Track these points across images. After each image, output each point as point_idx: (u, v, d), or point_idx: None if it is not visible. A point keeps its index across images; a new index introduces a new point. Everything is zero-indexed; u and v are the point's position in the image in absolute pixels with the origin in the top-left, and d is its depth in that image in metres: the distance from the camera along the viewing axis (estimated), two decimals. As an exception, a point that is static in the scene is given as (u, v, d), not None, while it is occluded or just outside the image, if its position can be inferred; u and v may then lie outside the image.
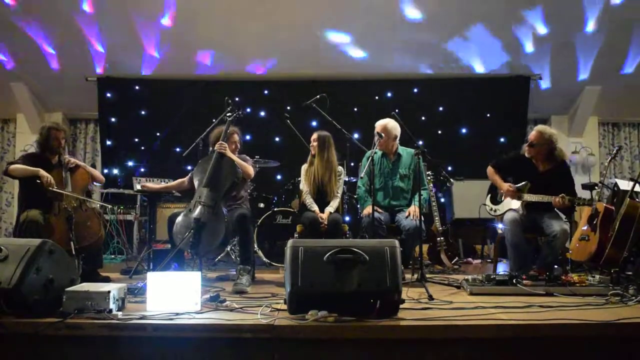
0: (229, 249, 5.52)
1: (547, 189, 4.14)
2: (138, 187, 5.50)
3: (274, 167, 6.18)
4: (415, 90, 7.39)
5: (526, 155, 4.36)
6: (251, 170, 4.22)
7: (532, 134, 4.33)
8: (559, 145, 4.32)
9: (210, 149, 4.32)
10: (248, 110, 7.12)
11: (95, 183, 4.51)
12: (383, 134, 4.48)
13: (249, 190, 4.59)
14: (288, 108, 6.44)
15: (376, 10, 6.31)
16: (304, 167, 4.81)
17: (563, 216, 4.29)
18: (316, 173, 4.68)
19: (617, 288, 3.29)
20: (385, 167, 4.67)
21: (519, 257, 4.10)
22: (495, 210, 4.51)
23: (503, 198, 4.45)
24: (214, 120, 4.71)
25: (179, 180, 4.46)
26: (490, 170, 4.52)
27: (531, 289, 3.30)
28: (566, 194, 4.04)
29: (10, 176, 4.10)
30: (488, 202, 4.62)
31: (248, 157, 4.52)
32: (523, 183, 4.28)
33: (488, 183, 4.67)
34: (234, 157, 4.13)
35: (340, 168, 4.80)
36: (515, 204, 4.30)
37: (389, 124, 4.55)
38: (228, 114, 4.31)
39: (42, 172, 3.96)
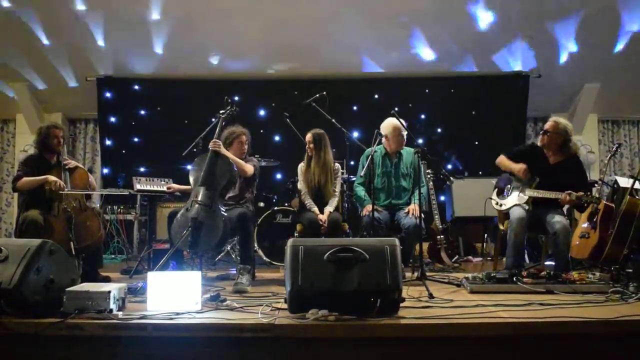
0: (229, 248, 5.53)
1: (557, 182, 4.11)
2: (138, 186, 5.49)
3: (273, 166, 6.17)
4: (415, 88, 7.38)
5: (539, 143, 4.34)
6: (248, 169, 4.21)
7: (547, 123, 4.31)
8: (573, 139, 4.28)
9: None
10: (248, 109, 7.12)
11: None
12: (393, 135, 4.52)
13: (254, 192, 4.58)
14: (288, 107, 6.43)
15: (376, 9, 6.30)
16: (301, 166, 4.80)
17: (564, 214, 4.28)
18: (313, 175, 4.67)
19: (618, 285, 3.29)
20: (389, 167, 4.67)
21: (518, 255, 4.08)
22: (501, 205, 4.43)
23: (511, 192, 4.37)
24: (213, 120, 4.70)
25: None
26: (501, 157, 4.44)
27: (531, 286, 3.31)
28: (578, 187, 4.03)
29: (21, 192, 4.09)
30: (494, 196, 4.54)
31: (253, 158, 4.52)
32: (533, 178, 4.25)
33: (488, 181, 4.67)
34: (229, 155, 4.12)
35: (337, 165, 4.79)
36: (522, 199, 4.24)
37: (399, 123, 4.53)
38: (221, 112, 4.29)
39: (50, 177, 3.95)
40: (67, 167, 4.18)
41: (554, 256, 4.15)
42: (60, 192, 3.92)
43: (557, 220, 4.02)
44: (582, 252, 4.41)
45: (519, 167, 4.25)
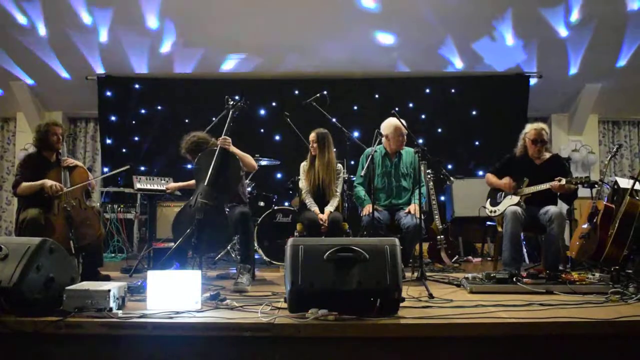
0: (228, 247, 5.52)
1: (547, 180, 4.20)
2: (138, 185, 5.49)
3: (274, 165, 6.17)
4: (415, 88, 7.39)
5: (529, 152, 4.45)
6: (254, 162, 4.15)
7: (533, 132, 4.42)
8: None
9: (189, 156, 4.28)
10: (248, 108, 7.11)
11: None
12: (394, 135, 4.54)
13: (249, 189, 4.55)
14: (288, 106, 6.44)
15: (374, 9, 6.30)
16: (303, 165, 4.80)
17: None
18: (317, 175, 4.65)
19: (617, 286, 3.29)
20: (389, 167, 4.67)
21: (514, 249, 4.13)
22: (494, 212, 4.53)
23: (503, 197, 4.46)
24: (213, 119, 4.70)
25: None
26: (488, 176, 4.65)
27: (531, 287, 3.31)
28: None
29: (22, 196, 4.07)
30: (488, 205, 4.66)
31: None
32: (523, 180, 4.35)
33: (485, 181, 4.71)
34: (237, 151, 4.03)
35: (339, 166, 4.79)
36: (515, 199, 4.34)
37: (399, 123, 4.53)
38: (231, 102, 4.08)
39: (47, 182, 3.92)
40: (65, 164, 4.17)
41: (546, 246, 4.18)
42: (58, 194, 3.91)
43: (551, 207, 4.13)
44: (582, 253, 4.42)
45: (504, 182, 4.43)
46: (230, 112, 4.07)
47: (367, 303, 2.51)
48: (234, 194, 4.13)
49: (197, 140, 4.33)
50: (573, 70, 7.05)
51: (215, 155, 3.86)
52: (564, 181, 4.07)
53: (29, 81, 7.28)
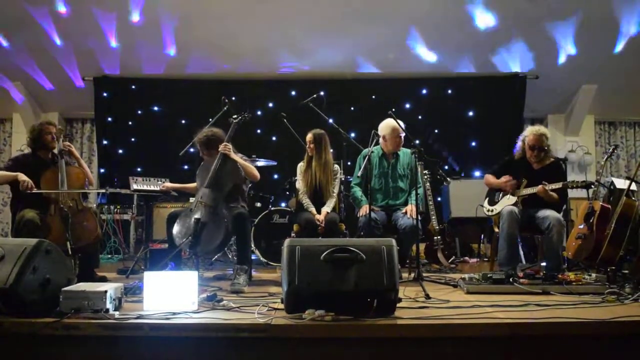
0: (225, 248, 5.52)
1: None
2: (135, 186, 5.48)
3: (271, 166, 6.17)
4: (412, 89, 7.40)
5: (527, 157, 4.45)
6: (256, 172, 4.18)
7: (531, 138, 4.40)
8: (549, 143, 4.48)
9: (201, 150, 4.29)
10: (245, 109, 7.12)
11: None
12: (391, 136, 4.54)
13: (246, 190, 4.56)
14: (285, 107, 6.44)
15: (374, 9, 6.30)
16: (300, 165, 4.80)
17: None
18: (314, 175, 4.66)
19: (614, 286, 3.31)
20: (386, 168, 4.67)
21: (510, 248, 4.15)
22: (491, 211, 4.55)
23: (501, 197, 4.48)
24: (210, 120, 4.69)
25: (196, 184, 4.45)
26: (487, 177, 4.66)
27: (528, 287, 3.31)
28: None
29: None
30: (485, 204, 4.68)
31: (246, 157, 4.51)
32: (520, 181, 4.38)
33: (484, 182, 4.72)
34: (238, 159, 4.10)
35: (336, 167, 4.79)
36: (512, 199, 4.37)
37: (397, 124, 4.53)
38: (234, 116, 4.27)
39: (21, 176, 3.89)
40: (67, 148, 4.16)
41: (546, 253, 4.20)
42: (28, 191, 3.86)
43: (549, 214, 4.14)
44: (578, 253, 4.43)
45: (504, 180, 4.44)
46: (233, 123, 4.23)
47: (364, 304, 2.51)
48: (234, 198, 4.21)
49: (212, 134, 4.30)
50: (569, 70, 7.05)
51: (216, 161, 4.03)
52: (548, 186, 4.12)
53: (25, 82, 7.26)
